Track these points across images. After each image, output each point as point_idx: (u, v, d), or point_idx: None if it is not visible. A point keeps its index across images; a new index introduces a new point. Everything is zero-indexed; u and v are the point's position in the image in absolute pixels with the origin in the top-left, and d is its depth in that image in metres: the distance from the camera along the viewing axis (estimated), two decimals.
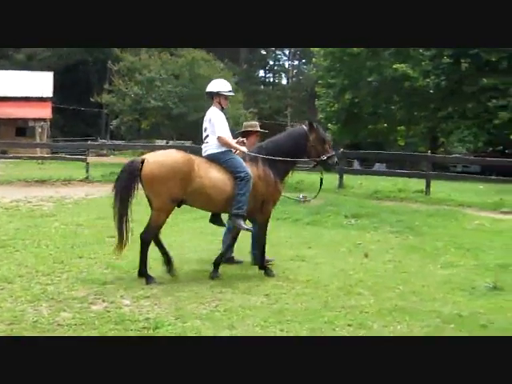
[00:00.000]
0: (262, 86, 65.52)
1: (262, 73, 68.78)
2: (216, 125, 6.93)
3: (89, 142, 27.16)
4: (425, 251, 8.88)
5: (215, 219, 7.25)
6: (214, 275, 6.88)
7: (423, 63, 32.09)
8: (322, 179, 7.73)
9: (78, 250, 8.06)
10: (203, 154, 7.04)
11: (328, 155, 7.36)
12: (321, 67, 38.16)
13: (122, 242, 6.55)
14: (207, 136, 7.05)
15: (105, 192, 14.42)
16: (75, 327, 4.95)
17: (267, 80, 69.53)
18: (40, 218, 10.93)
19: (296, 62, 67.36)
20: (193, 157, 6.78)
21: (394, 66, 31.68)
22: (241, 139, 7.44)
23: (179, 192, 6.53)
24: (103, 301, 5.77)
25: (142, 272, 6.58)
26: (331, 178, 14.71)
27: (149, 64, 39.75)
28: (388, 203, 14.37)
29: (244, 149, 7.15)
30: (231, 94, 7.23)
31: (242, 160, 6.92)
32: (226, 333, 4.93)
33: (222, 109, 7.12)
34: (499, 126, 28.84)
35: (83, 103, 47.71)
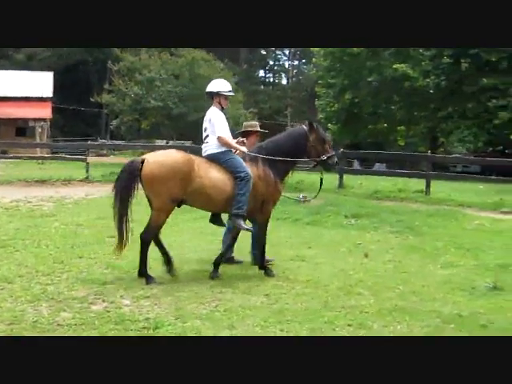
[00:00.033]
0: (262, 86, 65.52)
1: (261, 73, 68.85)
2: (216, 125, 6.93)
3: (89, 142, 27.15)
4: (425, 251, 8.87)
5: (215, 219, 7.25)
6: (214, 275, 6.88)
7: (423, 63, 32.09)
8: (322, 179, 7.73)
9: (77, 250, 8.05)
10: (203, 154, 7.04)
11: (328, 155, 7.37)
12: (321, 67, 38.16)
13: (122, 242, 6.55)
14: (207, 136, 7.04)
15: (105, 192, 14.42)
16: (75, 327, 4.95)
17: (267, 80, 69.55)
18: (40, 218, 10.92)
19: (296, 62, 67.40)
20: (193, 157, 6.78)
21: (394, 66, 31.68)
22: (241, 139, 7.44)
23: (179, 192, 6.53)
24: (103, 301, 5.77)
25: (142, 272, 6.58)
26: (331, 178, 14.71)
27: (149, 64, 39.75)
28: (388, 203, 14.37)
29: (244, 149, 7.15)
30: (231, 94, 7.23)
31: (242, 160, 6.92)
32: (225, 333, 4.92)
33: (222, 109, 7.12)
34: (499, 126, 28.84)
35: (83, 103, 47.71)
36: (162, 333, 4.85)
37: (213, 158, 6.90)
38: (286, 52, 65.43)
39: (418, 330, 5.19)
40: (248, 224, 7.18)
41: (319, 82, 37.85)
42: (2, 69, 42.41)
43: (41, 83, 41.06)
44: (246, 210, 6.76)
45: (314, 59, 40.79)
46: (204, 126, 7.13)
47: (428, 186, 15.98)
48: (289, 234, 9.99)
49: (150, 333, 4.86)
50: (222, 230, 7.67)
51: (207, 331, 4.92)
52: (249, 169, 6.84)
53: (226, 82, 7.29)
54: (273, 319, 5.33)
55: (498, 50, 27.87)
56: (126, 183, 6.54)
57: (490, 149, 33.38)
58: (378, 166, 32.98)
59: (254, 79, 63.37)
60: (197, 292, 6.18)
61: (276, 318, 5.38)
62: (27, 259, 7.38)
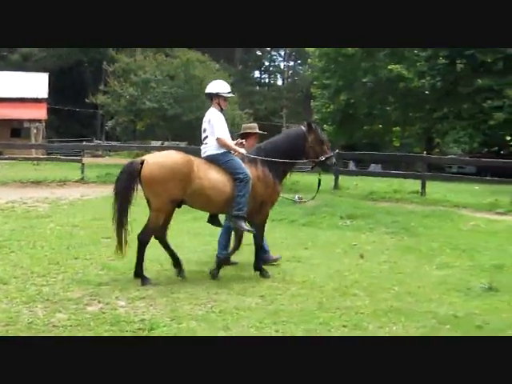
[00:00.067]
0: (258, 87, 65.50)
1: (257, 73, 68.81)
2: (215, 126, 6.93)
3: (84, 143, 27.01)
4: (420, 252, 8.89)
5: (213, 220, 7.26)
6: (215, 274, 6.91)
7: (418, 64, 32.15)
8: (320, 180, 7.73)
9: (73, 251, 8.03)
10: (202, 155, 7.04)
11: (326, 156, 7.38)
12: (316, 68, 38.18)
13: (121, 243, 6.54)
14: (206, 137, 7.04)
15: (100, 193, 14.43)
16: (70, 328, 4.94)
17: (262, 81, 69.58)
18: (35, 219, 10.89)
19: (291, 63, 67.36)
20: (192, 158, 6.77)
21: (389, 67, 31.74)
22: (240, 141, 7.45)
23: (179, 193, 6.53)
24: (98, 302, 5.76)
25: (138, 273, 6.56)
26: (327, 179, 14.63)
27: (144, 65, 39.66)
28: (383, 204, 14.38)
29: (243, 151, 7.14)
30: (230, 95, 7.21)
31: (241, 161, 6.92)
32: (221, 334, 4.92)
33: (222, 110, 7.11)
34: (494, 127, 28.92)
35: (78, 104, 47.56)
36: (157, 334, 4.84)
37: (212, 159, 6.90)
38: (282, 53, 65.42)
39: (413, 331, 5.19)
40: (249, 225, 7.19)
41: (314, 82, 37.86)
42: None
43: (36, 84, 40.88)
44: (246, 211, 6.77)
45: (309, 60, 40.76)
46: (203, 126, 7.12)
47: (423, 186, 16.01)
48: (284, 235, 9.99)
49: (146, 334, 4.85)
50: (219, 230, 7.67)
51: (202, 332, 4.91)
52: (248, 170, 6.85)
53: (225, 83, 7.28)
54: (268, 320, 5.32)
55: (493, 51, 27.94)
56: (126, 184, 6.54)
57: (486, 149, 33.50)
58: (373, 167, 33.03)
59: (249, 80, 63.34)
60: (192, 293, 6.17)
61: (271, 319, 5.37)
62: (22, 260, 7.35)
